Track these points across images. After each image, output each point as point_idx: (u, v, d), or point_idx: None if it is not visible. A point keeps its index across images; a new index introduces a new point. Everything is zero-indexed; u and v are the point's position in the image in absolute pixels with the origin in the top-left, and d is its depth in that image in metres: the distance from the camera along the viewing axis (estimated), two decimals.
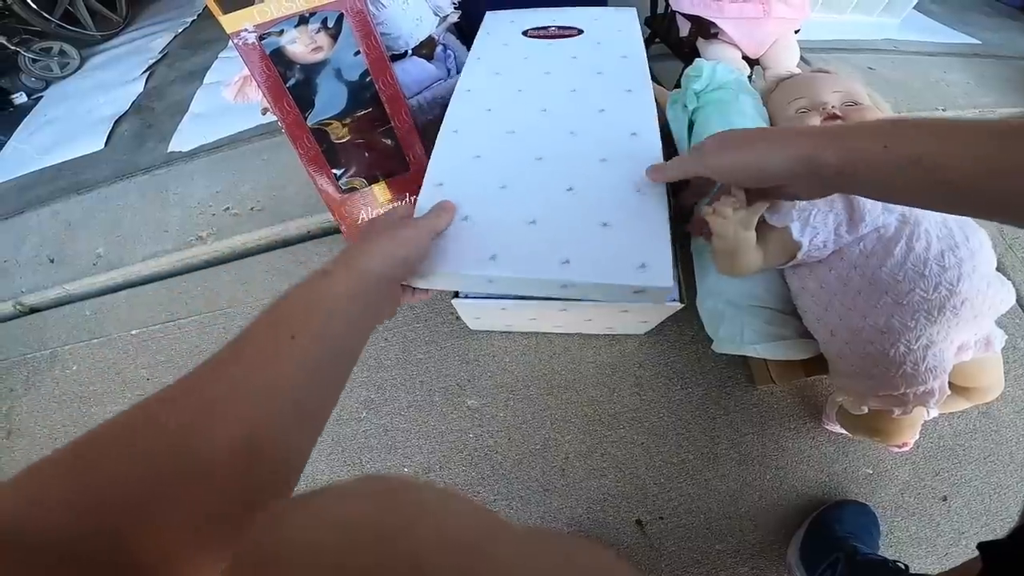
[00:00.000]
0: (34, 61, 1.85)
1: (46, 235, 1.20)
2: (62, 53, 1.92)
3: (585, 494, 0.73)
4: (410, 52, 0.95)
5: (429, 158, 0.81)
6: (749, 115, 0.70)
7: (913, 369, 0.53)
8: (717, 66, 0.74)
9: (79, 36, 2.04)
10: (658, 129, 0.68)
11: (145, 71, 1.71)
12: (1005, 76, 1.39)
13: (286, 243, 0.99)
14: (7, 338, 1.06)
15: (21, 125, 1.70)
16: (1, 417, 0.97)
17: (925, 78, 1.34)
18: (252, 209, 1.03)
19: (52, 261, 1.12)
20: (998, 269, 0.55)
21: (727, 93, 0.73)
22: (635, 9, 0.95)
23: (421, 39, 0.93)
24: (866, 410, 0.59)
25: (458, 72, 1.01)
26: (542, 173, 0.61)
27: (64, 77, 1.90)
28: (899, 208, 0.55)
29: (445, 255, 0.54)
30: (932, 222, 0.55)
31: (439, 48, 1.02)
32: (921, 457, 0.74)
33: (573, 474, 0.74)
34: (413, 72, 0.92)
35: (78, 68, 1.94)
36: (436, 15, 0.99)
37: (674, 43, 1.02)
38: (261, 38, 0.73)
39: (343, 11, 0.74)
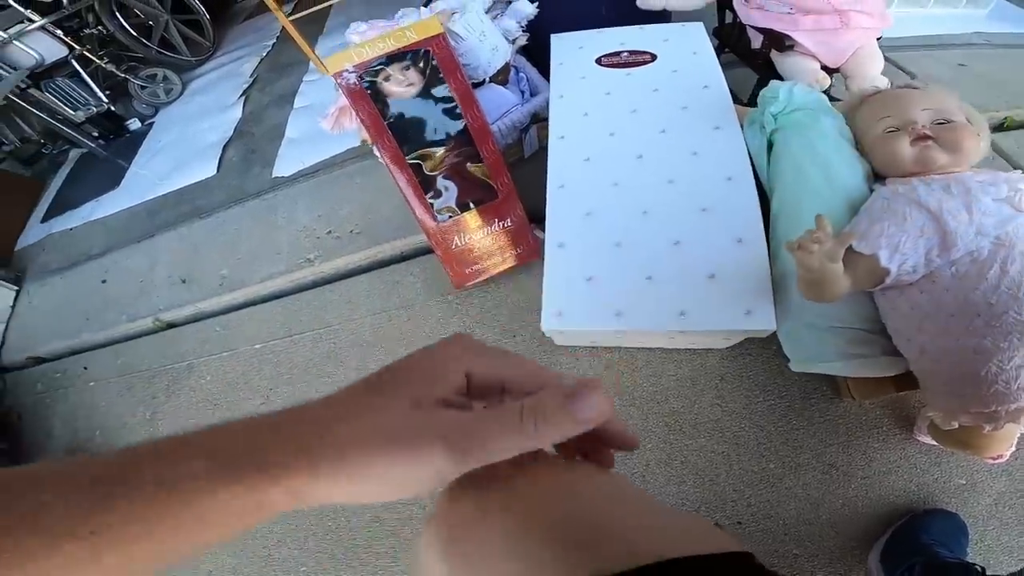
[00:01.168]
0: (142, 88, 2.06)
1: (176, 257, 1.37)
2: (166, 79, 2.12)
3: (664, 499, 0.77)
4: (488, 80, 1.00)
5: (514, 183, 0.87)
6: (831, 136, 0.70)
7: (1005, 388, 0.54)
8: (795, 88, 0.75)
9: (176, 61, 2.23)
10: (751, 170, 0.70)
11: (241, 95, 1.88)
12: None
13: (382, 264, 1.08)
14: (150, 351, 1.23)
15: (139, 151, 1.91)
16: (146, 422, 1.14)
17: (1015, 68, 1.24)
18: (351, 232, 1.13)
19: (184, 281, 1.28)
20: None
21: (806, 115, 0.73)
22: (702, 24, 0.95)
23: (498, 67, 0.98)
24: (956, 425, 0.60)
25: (532, 95, 1.05)
26: (650, 228, 0.69)
27: (170, 103, 2.11)
28: (993, 231, 0.55)
29: (579, 314, 0.65)
30: None
31: (512, 71, 1.07)
32: (1019, 468, 0.73)
33: (653, 480, 0.79)
34: (492, 99, 0.97)
35: (181, 93, 2.14)
36: (507, 39, 1.03)
37: (744, 53, 1.01)
38: (360, 78, 0.80)
39: (429, 49, 0.80)
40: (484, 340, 0.90)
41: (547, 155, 0.80)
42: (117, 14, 2.02)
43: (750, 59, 0.99)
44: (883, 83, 0.90)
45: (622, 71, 0.90)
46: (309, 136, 1.50)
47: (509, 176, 0.85)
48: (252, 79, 1.96)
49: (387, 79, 0.80)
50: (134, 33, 2.05)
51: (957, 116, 0.65)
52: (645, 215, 0.68)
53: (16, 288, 1.66)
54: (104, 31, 2.08)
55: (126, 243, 1.53)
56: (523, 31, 1.07)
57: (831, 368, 0.66)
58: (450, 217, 0.86)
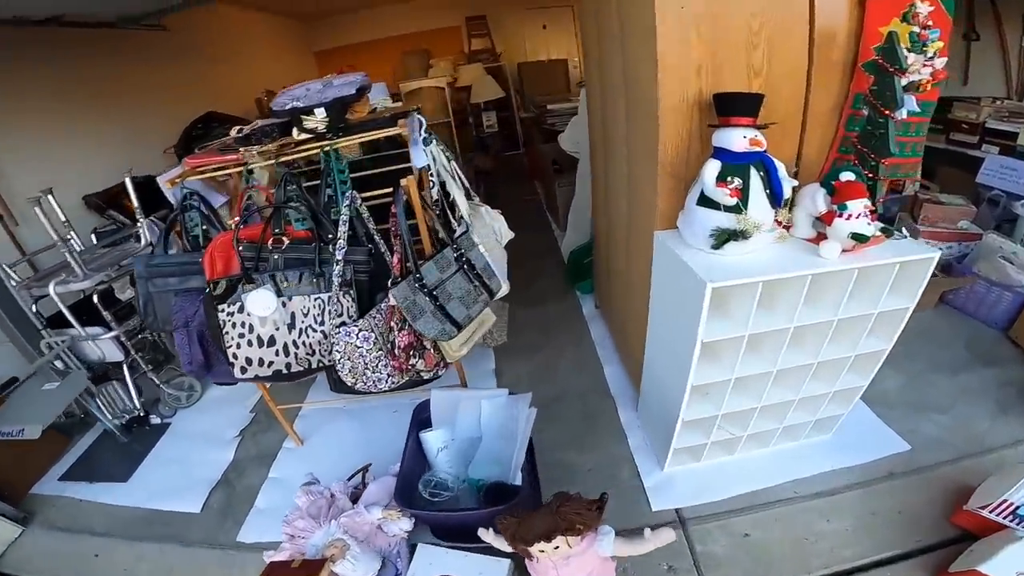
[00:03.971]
0: (169, 395, 2.44)
1: (157, 564, 1.75)
2: (190, 387, 2.50)
3: None
4: None
5: None
6: None
7: None
8: None
9: None
10: None
11: (238, 435, 2.26)
12: (899, 508, 1.49)
13: None
14: None
15: (150, 454, 2.25)
16: None
17: (797, 536, 1.47)
18: None
19: None
20: None
21: None
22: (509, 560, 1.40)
23: None
24: None
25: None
26: None
27: (189, 406, 2.49)
28: None
29: None
30: None
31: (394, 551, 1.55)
32: None
33: None
34: None
35: (199, 398, 2.51)
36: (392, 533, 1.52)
37: None
38: None
39: None
40: None
41: None
42: None
43: None
44: None
45: None
46: (272, 510, 1.86)
47: None
48: (252, 416, 2.36)
49: None
50: None
51: None
52: None
53: (22, 528, 1.95)
54: (153, 336, 2.40)
55: (121, 535, 1.88)
56: (406, 534, 1.52)
57: None
58: None
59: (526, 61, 6.15)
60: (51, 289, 2.06)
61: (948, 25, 1.36)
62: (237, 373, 1.57)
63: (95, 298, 2.13)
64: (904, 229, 1.42)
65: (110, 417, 2.30)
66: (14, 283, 2.18)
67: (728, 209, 1.22)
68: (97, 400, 2.25)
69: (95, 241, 2.51)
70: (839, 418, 1.66)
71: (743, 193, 1.21)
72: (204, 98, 3.97)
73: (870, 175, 1.37)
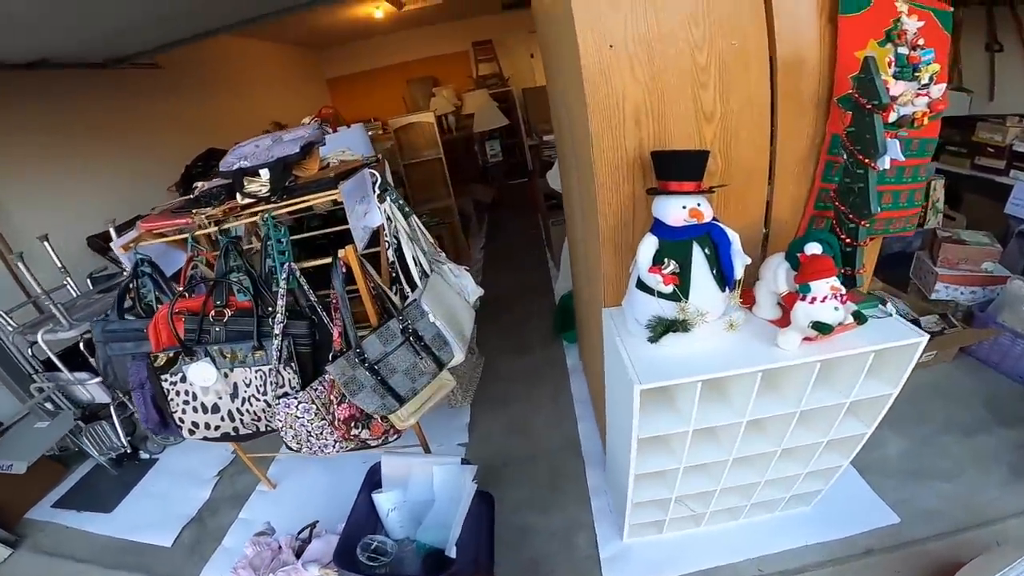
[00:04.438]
0: (156, 433, 2.48)
1: None
2: None
3: None
4: None
5: None
6: None
7: None
8: None
9: None
10: None
11: (216, 475, 2.26)
12: None
13: None
14: None
15: (137, 485, 2.28)
16: None
17: None
18: None
19: None
20: None
21: None
22: None
23: None
24: None
25: None
26: None
27: (176, 444, 2.50)
28: None
29: None
30: None
31: None
32: None
33: None
34: None
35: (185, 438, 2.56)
36: None
37: None
38: None
39: None
40: None
41: None
42: None
43: None
44: None
45: None
46: (239, 551, 1.77)
47: None
48: (232, 457, 2.33)
49: None
50: None
51: None
52: None
53: (12, 550, 2.02)
54: None
55: (98, 563, 1.92)
56: None
57: None
58: None
59: (531, 87, 5.92)
60: (39, 338, 2.11)
61: (945, 43, 1.14)
62: (185, 434, 1.58)
63: (81, 345, 2.16)
64: (890, 304, 1.22)
65: (98, 453, 2.33)
66: (10, 329, 2.23)
67: (666, 296, 1.07)
68: (85, 437, 2.29)
69: (90, 286, 2.53)
70: (819, 492, 1.49)
71: (683, 277, 1.06)
72: (207, 132, 3.92)
73: (847, 241, 1.19)
